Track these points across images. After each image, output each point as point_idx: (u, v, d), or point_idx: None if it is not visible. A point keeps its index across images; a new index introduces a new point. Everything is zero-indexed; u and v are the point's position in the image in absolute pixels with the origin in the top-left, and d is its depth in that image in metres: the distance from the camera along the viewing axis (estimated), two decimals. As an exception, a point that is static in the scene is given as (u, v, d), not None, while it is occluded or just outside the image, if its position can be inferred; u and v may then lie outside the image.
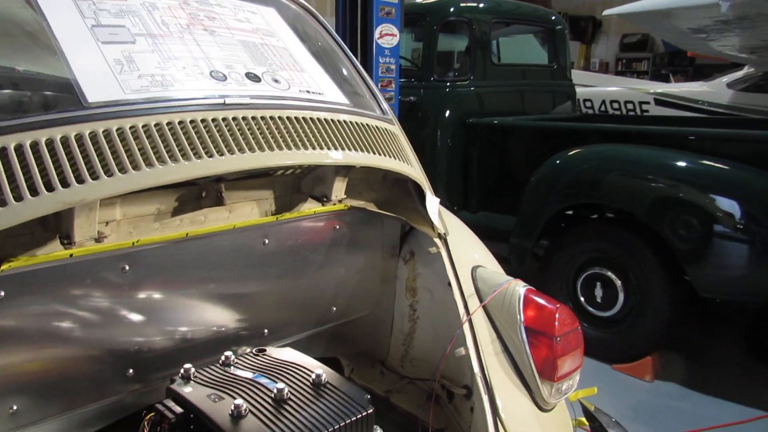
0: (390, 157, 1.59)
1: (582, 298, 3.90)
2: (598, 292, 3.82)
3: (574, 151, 3.92)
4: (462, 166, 4.66)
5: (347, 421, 1.25)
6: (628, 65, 16.23)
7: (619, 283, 3.72)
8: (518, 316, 1.69)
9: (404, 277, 1.91)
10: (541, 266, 4.14)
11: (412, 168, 1.68)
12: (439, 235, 1.78)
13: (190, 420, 1.25)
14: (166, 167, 1.13)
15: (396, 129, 1.72)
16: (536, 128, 4.59)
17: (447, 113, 4.62)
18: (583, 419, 1.92)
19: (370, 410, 1.30)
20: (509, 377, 1.65)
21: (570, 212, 4.10)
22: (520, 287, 1.75)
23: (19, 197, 0.99)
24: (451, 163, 4.63)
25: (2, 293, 1.15)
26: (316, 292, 1.75)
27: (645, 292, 3.58)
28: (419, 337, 1.89)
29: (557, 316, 1.68)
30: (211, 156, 1.18)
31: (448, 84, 4.74)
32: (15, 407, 1.22)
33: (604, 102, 9.18)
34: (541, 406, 1.68)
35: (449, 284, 1.71)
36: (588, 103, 9.22)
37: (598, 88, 9.43)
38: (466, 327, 1.65)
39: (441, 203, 1.85)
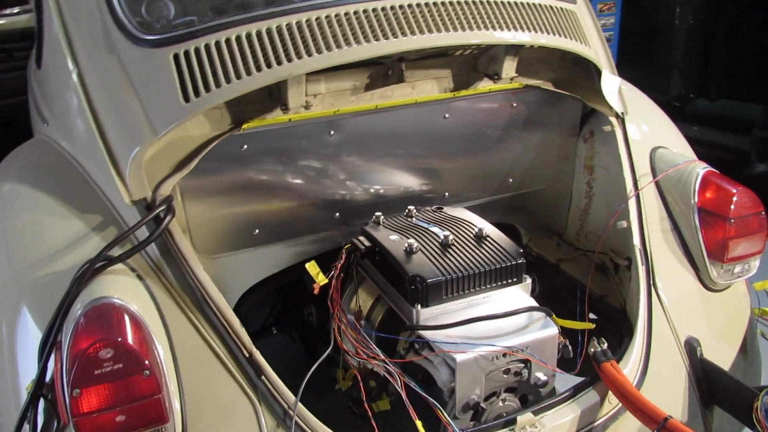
0: (563, 36, 1.65)
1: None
2: None
3: None
4: (703, 48, 4.19)
5: (498, 267, 1.49)
6: None
7: None
8: (692, 196, 1.70)
9: (583, 155, 1.99)
10: (788, 162, 3.68)
11: (586, 47, 1.72)
12: (617, 115, 1.82)
13: (376, 252, 1.60)
14: (351, 48, 1.40)
15: (576, 8, 1.75)
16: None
17: (689, -15, 4.13)
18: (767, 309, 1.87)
19: (521, 261, 1.51)
20: (674, 254, 1.70)
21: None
22: (699, 168, 1.74)
23: (248, 72, 1.37)
24: (689, 43, 4.19)
25: (245, 146, 1.59)
26: (493, 164, 1.95)
27: None
28: (594, 213, 1.99)
29: (735, 198, 1.65)
30: (386, 38, 1.42)
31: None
32: (257, 231, 1.70)
33: None
34: (708, 285, 1.70)
35: (622, 162, 1.77)
36: None
37: None
38: (632, 202, 1.72)
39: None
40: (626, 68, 4.53)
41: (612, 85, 1.79)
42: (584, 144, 1.98)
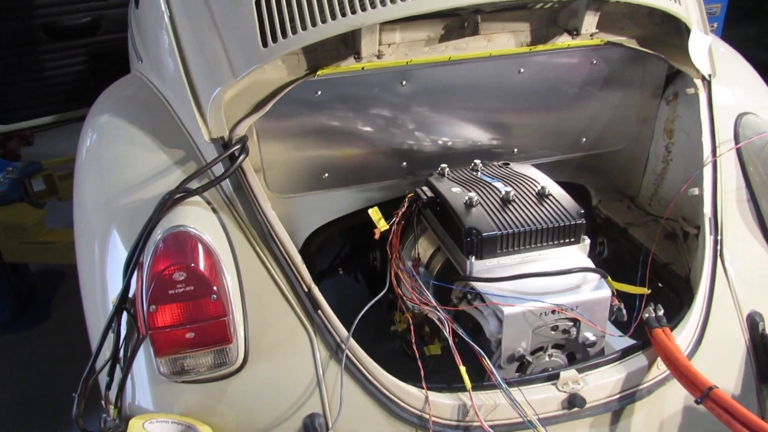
0: None
1: None
2: None
3: None
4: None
5: (555, 225, 1.49)
6: None
7: None
8: (775, 167, 1.62)
9: (664, 117, 1.91)
10: None
11: (676, 3, 1.62)
12: (703, 77, 1.73)
13: (437, 203, 1.64)
14: None
15: None
16: None
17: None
18: None
19: (579, 221, 1.51)
20: (747, 225, 1.63)
21: None
22: (788, 138, 1.64)
23: (323, 20, 1.40)
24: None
25: (320, 92, 1.65)
26: (567, 122, 1.90)
27: None
28: (670, 179, 1.92)
29: (822, 171, 1.56)
30: None
31: None
32: (326, 175, 1.78)
33: None
34: (781, 259, 1.63)
35: (702, 127, 1.70)
36: None
37: None
38: (708, 169, 1.65)
39: None
40: (737, 24, 4.19)
41: (701, 45, 1.69)
42: (666, 106, 1.90)
